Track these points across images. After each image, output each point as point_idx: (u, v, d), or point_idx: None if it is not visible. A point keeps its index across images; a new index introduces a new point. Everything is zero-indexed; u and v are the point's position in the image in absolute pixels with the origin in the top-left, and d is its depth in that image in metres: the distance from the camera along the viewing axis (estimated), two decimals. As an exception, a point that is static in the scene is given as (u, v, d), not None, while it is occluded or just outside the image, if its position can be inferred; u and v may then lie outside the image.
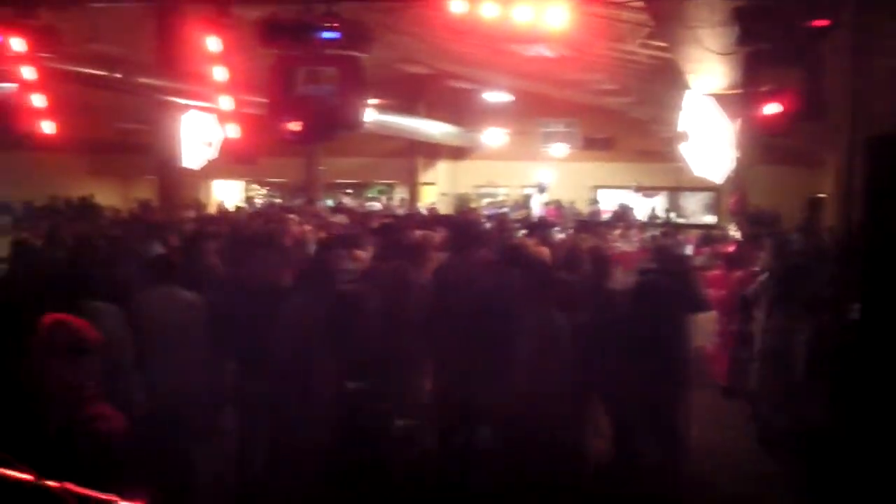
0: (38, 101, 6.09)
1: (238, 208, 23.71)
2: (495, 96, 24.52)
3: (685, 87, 13.89)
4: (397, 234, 11.84)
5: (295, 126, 5.17)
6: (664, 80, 16.35)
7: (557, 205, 27.90)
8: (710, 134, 14.36)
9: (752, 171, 19.14)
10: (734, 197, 20.03)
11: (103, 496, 2.26)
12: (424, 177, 32.07)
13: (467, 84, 27.92)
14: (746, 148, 15.22)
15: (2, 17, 5.52)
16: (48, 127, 6.16)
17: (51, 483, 2.25)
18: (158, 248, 10.02)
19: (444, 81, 28.84)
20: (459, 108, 30.37)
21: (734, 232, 18.19)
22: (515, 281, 7.79)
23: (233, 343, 7.33)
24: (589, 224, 19.43)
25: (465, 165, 33.21)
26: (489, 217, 21.19)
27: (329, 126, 5.20)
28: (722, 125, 13.94)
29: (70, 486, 2.28)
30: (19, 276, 8.44)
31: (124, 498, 2.31)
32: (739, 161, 15.30)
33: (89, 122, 25.48)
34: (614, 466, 7.93)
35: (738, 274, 11.61)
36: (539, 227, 14.40)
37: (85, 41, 7.95)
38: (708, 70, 11.82)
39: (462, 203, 30.37)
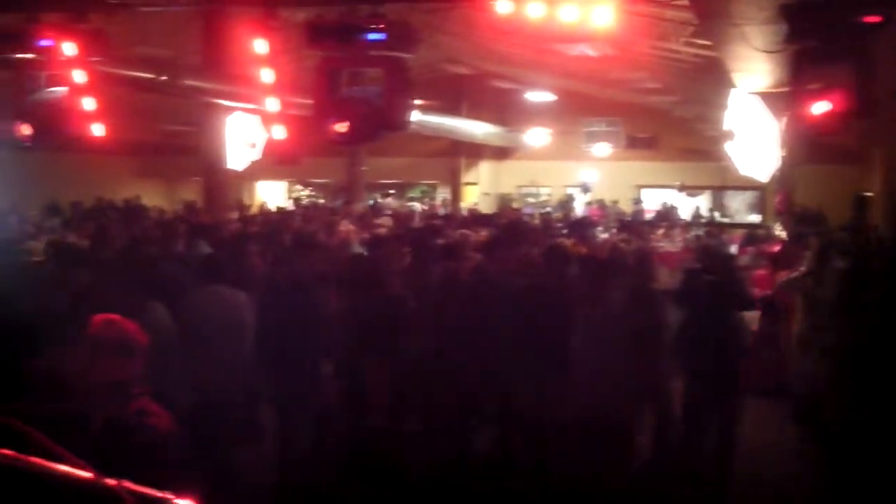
0: (88, 104, 6.17)
1: (280, 209, 23.84)
2: (538, 96, 24.49)
3: (730, 85, 13.77)
4: (435, 234, 11.90)
5: (341, 127, 5.19)
6: (708, 78, 16.24)
7: (600, 204, 27.79)
8: (755, 132, 14.23)
9: (797, 170, 18.96)
10: (779, 196, 19.83)
11: (159, 494, 2.28)
12: (467, 177, 32.05)
13: (510, 84, 27.89)
14: (792, 146, 15.07)
15: (54, 23, 5.60)
16: (98, 129, 6.23)
17: (108, 481, 2.26)
18: (205, 249, 10.10)
19: (487, 81, 28.84)
20: (502, 107, 30.36)
21: (779, 231, 18.01)
22: (568, 280, 7.78)
23: (274, 343, 7.36)
24: (632, 224, 19.35)
25: (507, 165, 33.15)
26: (529, 216, 21.17)
27: (375, 127, 5.21)
28: (767, 124, 13.81)
29: (127, 483, 2.30)
30: (58, 275, 8.52)
31: (176, 496, 2.33)
32: (785, 160, 15.15)
33: (136, 124, 25.79)
34: (661, 464, 7.90)
35: (784, 274, 11.51)
36: (579, 227, 14.38)
37: (133, 44, 8.04)
38: (753, 68, 11.71)
39: (504, 203, 30.34)
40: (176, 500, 2.27)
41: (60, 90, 5.99)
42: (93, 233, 12.07)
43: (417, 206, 28.78)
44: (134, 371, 3.78)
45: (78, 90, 5.79)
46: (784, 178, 18.14)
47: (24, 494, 2.71)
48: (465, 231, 11.97)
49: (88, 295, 7.08)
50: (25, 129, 6.04)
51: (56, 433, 2.32)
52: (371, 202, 27.82)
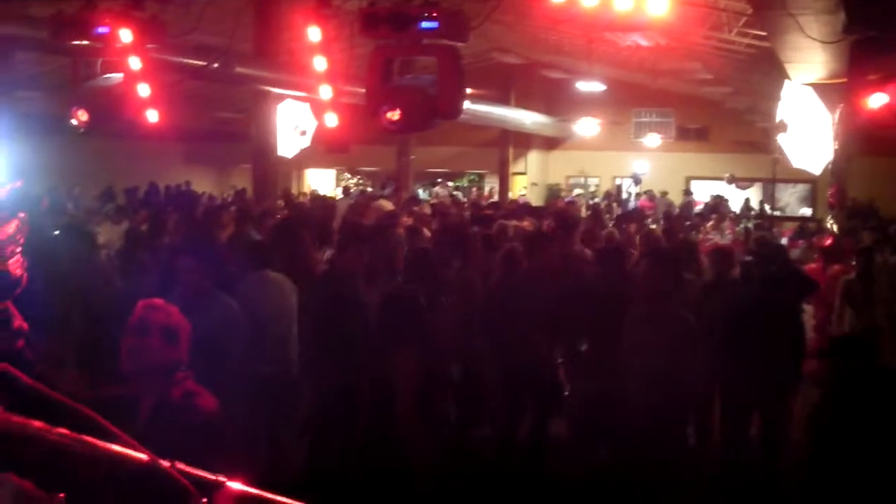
0: (143, 90, 6.23)
1: (327, 197, 23.92)
2: (588, 85, 24.34)
3: (783, 76, 13.61)
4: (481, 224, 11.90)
5: (394, 115, 5.20)
6: (762, 69, 16.05)
7: (650, 195, 27.60)
8: (808, 124, 14.07)
9: (850, 163, 18.71)
10: (832, 189, 19.57)
11: (211, 476, 2.30)
12: (515, 166, 31.98)
13: (560, 73, 27.77)
14: (845, 139, 14.87)
15: (111, 10, 5.67)
16: (152, 116, 6.30)
17: (162, 462, 2.29)
18: (255, 235, 10.17)
19: (537, 71, 28.75)
20: (551, 97, 30.26)
21: (831, 224, 17.78)
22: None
23: (324, 331, 7.38)
24: (680, 215, 19.22)
25: (556, 155, 33.05)
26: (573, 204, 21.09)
27: (428, 115, 5.22)
28: (821, 116, 13.64)
29: (180, 464, 2.32)
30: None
31: (227, 477, 2.35)
32: (838, 152, 14.95)
33: (188, 111, 26.05)
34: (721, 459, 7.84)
35: (836, 268, 11.36)
36: (628, 219, 14.34)
37: (187, 32, 8.09)
38: (808, 58, 11.56)
39: (553, 194, 30.27)
40: (228, 482, 2.29)
41: (116, 77, 6.05)
42: (149, 219, 12.25)
43: (459, 195, 28.76)
44: (179, 354, 3.82)
45: (133, 77, 5.85)
46: (837, 170, 17.91)
47: (80, 474, 2.75)
48: (503, 222, 11.94)
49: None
50: (81, 116, 6.10)
51: (108, 415, 2.35)
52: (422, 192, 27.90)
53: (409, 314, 7.00)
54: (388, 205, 15.62)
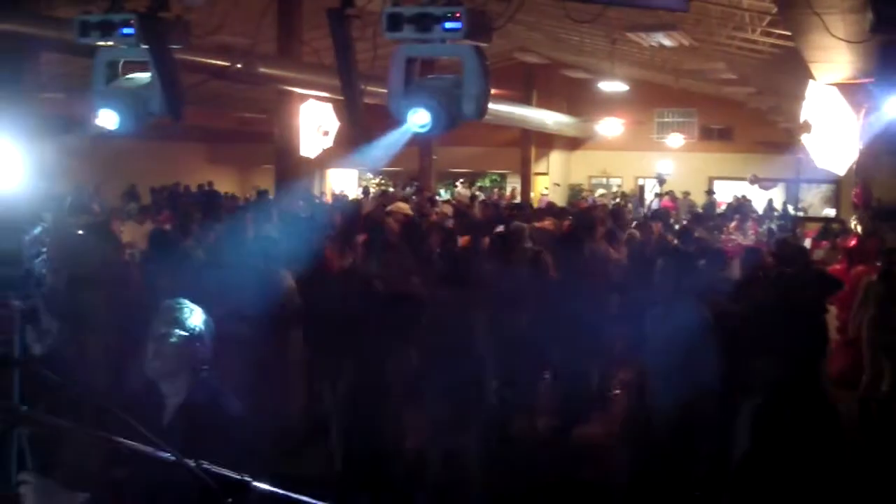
0: (167, 91, 6.24)
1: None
2: (610, 85, 24.29)
3: (808, 76, 13.52)
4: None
5: (420, 118, 5.19)
6: (786, 69, 15.95)
7: (672, 196, 27.51)
8: (833, 125, 13.98)
9: (875, 163, 18.58)
10: (856, 189, 19.45)
11: (236, 476, 2.31)
12: (537, 167, 31.95)
13: (582, 73, 27.74)
14: (870, 139, 14.77)
15: (136, 9, 5.68)
16: (176, 117, 6.32)
17: (187, 461, 2.30)
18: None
19: (559, 71, 28.72)
20: (573, 97, 30.24)
21: (855, 225, 17.68)
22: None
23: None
24: (703, 216, 19.15)
25: (578, 155, 33.03)
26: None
27: (454, 117, 5.20)
28: (846, 116, 13.55)
29: (206, 464, 2.33)
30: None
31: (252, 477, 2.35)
32: (862, 153, 14.85)
33: (210, 111, 26.17)
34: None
35: (860, 269, 11.30)
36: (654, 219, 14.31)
37: (211, 32, 8.15)
38: (833, 58, 11.48)
39: (575, 195, 30.25)
40: (253, 482, 2.30)
41: (140, 78, 6.06)
42: (178, 220, 12.35)
43: (479, 195, 28.77)
44: (204, 354, 3.84)
45: (158, 78, 5.86)
46: (861, 171, 17.80)
47: (106, 473, 2.77)
48: (519, 223, 11.94)
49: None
50: (105, 117, 6.12)
51: (135, 415, 2.36)
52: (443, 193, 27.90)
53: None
54: (404, 207, 15.63)
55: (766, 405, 6.60)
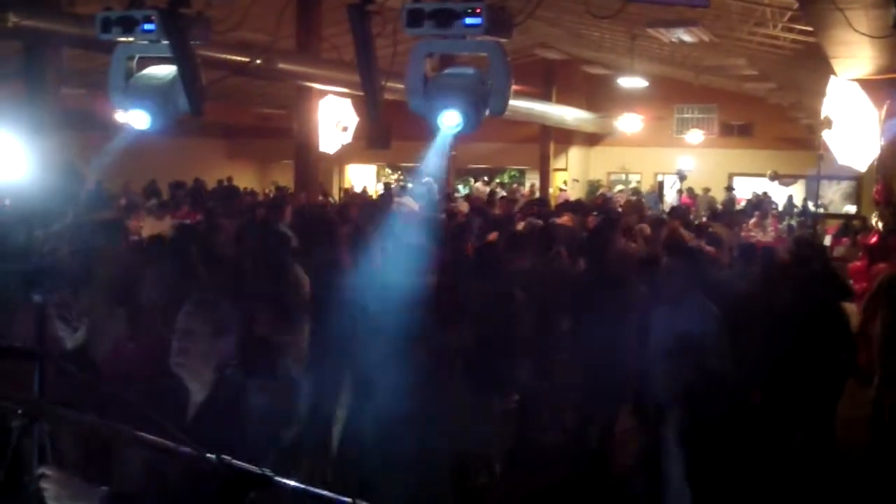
0: (188, 87, 6.26)
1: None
2: (630, 81, 24.24)
3: (829, 72, 13.46)
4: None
5: (450, 118, 5.21)
6: (807, 65, 15.89)
7: (690, 192, 27.42)
8: (854, 121, 13.90)
9: (897, 159, 18.48)
10: (878, 186, 19.33)
11: (257, 470, 2.32)
12: (556, 162, 31.89)
13: (601, 69, 27.68)
14: (892, 135, 14.68)
15: (157, 6, 5.70)
16: (197, 113, 6.34)
17: (209, 455, 2.31)
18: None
19: (579, 66, 28.67)
20: (593, 93, 30.18)
21: (876, 222, 17.57)
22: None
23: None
24: (722, 213, 19.07)
25: (597, 151, 32.95)
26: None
27: (478, 112, 5.21)
28: (867, 112, 13.47)
29: (227, 459, 2.34)
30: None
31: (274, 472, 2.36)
32: (884, 149, 14.76)
33: (230, 107, 26.26)
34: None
35: (881, 266, 11.22)
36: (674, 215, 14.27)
37: (231, 28, 8.15)
38: (855, 54, 11.43)
39: (593, 189, 30.18)
40: (275, 477, 2.31)
41: (161, 74, 6.09)
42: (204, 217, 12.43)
43: (499, 191, 28.77)
44: (228, 349, 3.84)
45: (179, 74, 5.89)
46: (883, 167, 17.69)
47: (128, 467, 2.78)
48: (532, 219, 11.95)
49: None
50: (135, 116, 6.16)
51: (158, 410, 2.37)
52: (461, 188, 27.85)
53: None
54: (412, 203, 15.67)
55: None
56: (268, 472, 2.31)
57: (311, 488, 2.26)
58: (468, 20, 5.12)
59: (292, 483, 2.28)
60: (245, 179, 29.68)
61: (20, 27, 10.17)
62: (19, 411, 2.54)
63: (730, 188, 28.34)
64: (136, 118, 6.14)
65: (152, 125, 6.06)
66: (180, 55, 5.93)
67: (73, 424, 2.33)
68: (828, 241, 18.84)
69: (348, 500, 2.18)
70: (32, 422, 2.60)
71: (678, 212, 15.57)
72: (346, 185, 32.13)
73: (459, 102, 5.24)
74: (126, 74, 6.26)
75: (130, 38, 6.11)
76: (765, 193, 26.62)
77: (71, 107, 18.75)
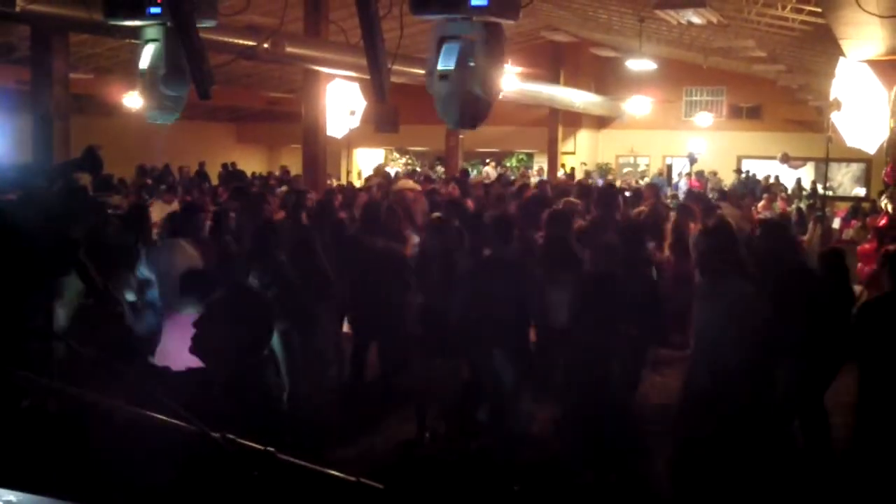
0: (195, 72, 6.27)
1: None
2: (638, 64, 24.14)
3: (838, 53, 13.39)
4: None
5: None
6: (816, 46, 15.83)
7: (699, 175, 27.35)
8: (864, 102, 13.83)
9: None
10: (888, 168, 19.27)
11: (260, 447, 2.32)
12: (565, 146, 31.84)
13: (610, 52, 27.59)
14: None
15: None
16: (204, 97, 6.35)
17: (213, 434, 2.32)
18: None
19: (587, 49, 28.58)
20: (601, 76, 30.09)
21: (885, 204, 17.51)
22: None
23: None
24: (730, 195, 19.04)
25: (606, 134, 32.90)
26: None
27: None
28: (877, 93, 13.41)
29: (231, 436, 2.34)
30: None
31: (281, 451, 2.37)
32: (894, 130, 14.70)
33: (237, 91, 26.26)
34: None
35: (891, 248, 11.19)
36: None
37: (238, 12, 8.17)
38: (865, 34, 11.38)
39: (602, 172, 30.15)
40: (278, 454, 2.32)
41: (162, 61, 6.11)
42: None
43: (492, 171, 28.82)
44: (246, 334, 3.86)
45: (187, 58, 5.90)
46: (892, 149, 17.63)
47: (131, 442, 2.80)
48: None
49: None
50: (135, 97, 6.20)
51: (185, 392, 2.39)
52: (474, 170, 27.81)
53: None
54: (410, 184, 15.63)
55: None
56: (270, 449, 2.32)
57: (315, 466, 2.27)
58: (474, 2, 5.12)
59: (296, 461, 2.29)
60: (253, 163, 29.74)
61: (27, 11, 10.18)
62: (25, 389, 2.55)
63: (739, 171, 28.30)
64: (161, 116, 6.21)
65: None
66: (186, 38, 5.93)
67: (74, 401, 2.34)
68: (837, 223, 18.80)
69: (352, 478, 2.19)
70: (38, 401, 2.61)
71: (694, 195, 15.56)
72: (357, 170, 32.13)
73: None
74: (138, 59, 6.30)
75: (137, 22, 6.12)
76: (777, 178, 26.57)
77: (78, 91, 18.77)
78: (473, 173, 28.47)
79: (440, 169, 29.48)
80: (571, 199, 12.14)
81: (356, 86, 17.66)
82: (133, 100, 18.32)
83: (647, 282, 8.31)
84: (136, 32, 6.29)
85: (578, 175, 27.76)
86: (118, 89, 20.00)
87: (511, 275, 7.40)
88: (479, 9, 5.14)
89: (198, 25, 5.91)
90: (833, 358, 7.41)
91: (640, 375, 8.28)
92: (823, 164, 26.05)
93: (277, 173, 24.30)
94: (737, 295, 6.76)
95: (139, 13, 5.95)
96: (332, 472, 2.27)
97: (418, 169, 31.09)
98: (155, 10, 5.86)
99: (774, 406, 7.17)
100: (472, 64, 5.35)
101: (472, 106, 5.50)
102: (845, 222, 18.70)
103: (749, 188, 23.73)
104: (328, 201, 11.78)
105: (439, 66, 5.38)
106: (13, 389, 2.60)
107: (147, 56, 6.23)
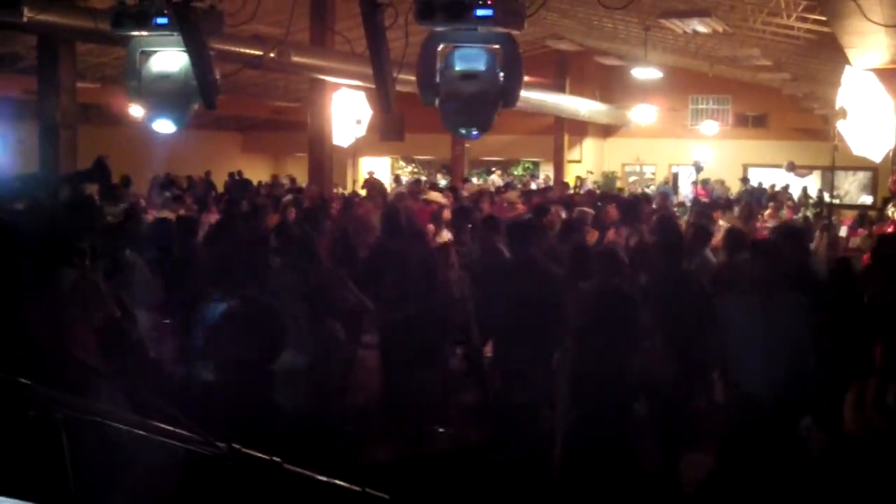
0: (201, 81, 6.30)
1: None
2: (644, 72, 24.13)
3: (844, 62, 13.40)
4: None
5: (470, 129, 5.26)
6: (821, 55, 15.85)
7: (705, 183, 27.31)
8: (870, 111, 13.82)
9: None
10: (894, 176, 19.25)
11: (266, 457, 2.33)
12: (570, 154, 31.83)
13: (615, 60, 27.60)
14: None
15: (170, 1, 5.74)
16: (210, 106, 6.38)
17: (218, 444, 2.32)
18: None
19: (592, 58, 28.60)
20: (606, 84, 30.10)
21: (892, 213, 17.49)
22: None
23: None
24: (742, 205, 19.00)
25: (611, 143, 32.90)
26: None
27: (491, 106, 5.26)
28: (883, 102, 13.41)
29: (237, 446, 2.35)
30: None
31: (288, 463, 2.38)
32: (900, 139, 14.70)
33: (243, 100, 26.31)
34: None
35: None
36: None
37: (244, 21, 8.19)
38: (870, 43, 11.40)
39: (608, 181, 30.15)
40: (284, 464, 2.32)
41: (174, 68, 6.13)
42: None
43: (498, 179, 28.81)
44: (263, 347, 3.87)
45: (192, 68, 5.93)
46: (899, 157, 17.63)
47: (137, 452, 2.80)
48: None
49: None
50: (141, 107, 6.22)
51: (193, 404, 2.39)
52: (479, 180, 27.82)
53: None
54: (438, 196, 15.67)
55: None
56: (277, 459, 2.33)
57: (321, 476, 2.27)
58: (479, 11, 5.14)
59: (302, 471, 2.29)
60: (259, 172, 29.74)
61: (34, 21, 10.23)
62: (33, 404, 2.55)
63: (745, 179, 28.27)
64: (163, 126, 6.23)
65: (168, 122, 6.13)
66: (193, 49, 5.96)
67: (83, 414, 2.34)
68: (844, 231, 18.76)
69: (357, 488, 2.20)
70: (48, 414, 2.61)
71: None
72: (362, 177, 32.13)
73: (468, 97, 5.27)
74: (139, 70, 6.32)
75: (143, 32, 6.14)
76: (785, 187, 26.52)
77: (85, 101, 18.82)
78: (479, 181, 28.50)
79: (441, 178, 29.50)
80: (584, 208, 12.20)
81: (362, 95, 17.71)
82: (139, 109, 18.38)
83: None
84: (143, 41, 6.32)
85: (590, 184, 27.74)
86: (125, 99, 20.04)
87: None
88: (484, 19, 5.17)
89: (204, 37, 5.95)
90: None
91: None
92: (830, 173, 26.09)
93: (285, 182, 24.29)
94: (794, 308, 6.68)
95: (146, 24, 5.98)
96: (338, 481, 2.28)
97: (424, 178, 31.08)
98: (162, 20, 5.89)
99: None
100: (499, 70, 5.39)
101: (492, 110, 5.51)
102: (852, 230, 18.64)
103: (755, 197, 23.66)
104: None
105: (464, 67, 5.42)
106: (19, 398, 2.61)
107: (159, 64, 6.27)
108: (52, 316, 4.40)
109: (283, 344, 3.95)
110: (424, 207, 14.08)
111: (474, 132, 5.89)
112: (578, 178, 29.00)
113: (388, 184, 27.68)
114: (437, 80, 5.55)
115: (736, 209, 16.52)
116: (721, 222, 13.31)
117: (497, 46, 5.36)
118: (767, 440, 6.39)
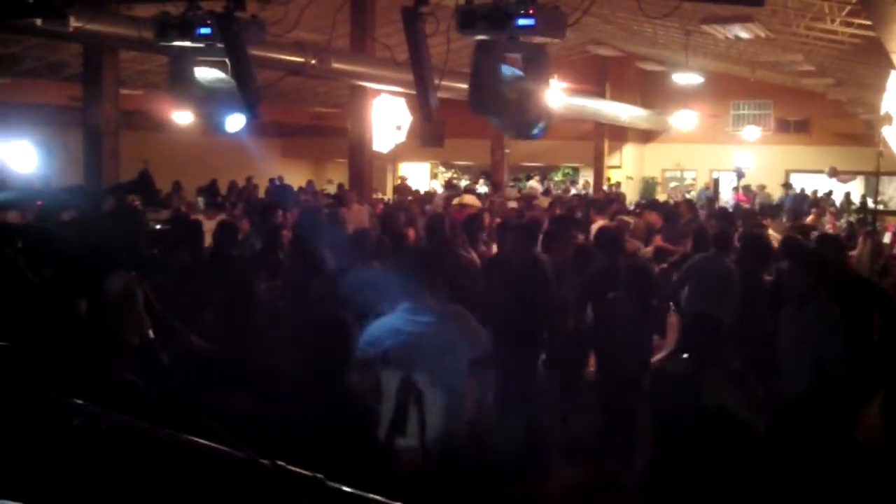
0: (245, 88, 6.36)
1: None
2: (685, 77, 23.96)
3: (889, 66, 13.24)
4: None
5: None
6: (866, 60, 15.64)
7: (746, 189, 27.09)
8: (915, 116, 13.69)
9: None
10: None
11: (310, 474, 2.34)
12: (610, 160, 31.67)
13: (656, 66, 27.47)
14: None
15: (213, 10, 5.80)
16: (253, 113, 6.43)
17: (263, 461, 2.33)
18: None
19: (632, 63, 28.48)
20: (647, 89, 29.95)
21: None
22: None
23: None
24: (788, 210, 18.86)
25: (651, 148, 32.71)
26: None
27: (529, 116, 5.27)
28: (929, 107, 13.26)
29: (280, 463, 2.36)
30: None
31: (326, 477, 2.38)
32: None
33: (284, 106, 26.45)
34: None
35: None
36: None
37: (287, 30, 8.24)
38: (916, 49, 11.25)
39: (648, 187, 29.99)
40: (327, 481, 2.33)
41: (218, 76, 6.19)
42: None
43: (537, 185, 28.73)
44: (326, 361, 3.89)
45: (234, 77, 5.98)
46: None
47: (183, 469, 2.82)
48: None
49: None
50: (186, 114, 6.28)
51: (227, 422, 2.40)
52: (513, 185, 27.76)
53: None
54: (472, 200, 15.67)
55: None
56: (320, 476, 2.33)
57: (363, 493, 2.27)
58: (521, 21, 5.13)
59: (345, 488, 2.29)
60: (299, 178, 29.85)
61: (81, 31, 10.33)
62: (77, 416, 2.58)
63: (787, 185, 28.00)
64: (234, 123, 6.30)
65: (202, 126, 6.19)
66: (235, 59, 6.00)
67: (127, 430, 2.36)
68: (887, 238, 18.54)
69: (397, 504, 2.19)
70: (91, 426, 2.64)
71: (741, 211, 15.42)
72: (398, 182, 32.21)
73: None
74: (188, 77, 6.38)
75: (187, 42, 6.20)
76: (828, 192, 26.23)
77: (128, 107, 19.02)
78: (517, 186, 28.47)
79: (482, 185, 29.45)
80: (624, 217, 12.17)
81: (402, 101, 17.73)
82: (181, 115, 18.56)
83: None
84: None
85: (625, 190, 27.61)
86: (167, 105, 20.25)
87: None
88: (525, 28, 5.16)
89: (246, 46, 5.99)
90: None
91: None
92: (874, 178, 25.81)
93: (331, 189, 24.37)
94: (829, 317, 6.67)
95: (189, 34, 6.03)
96: (380, 498, 2.28)
97: (464, 182, 31.08)
98: (205, 30, 5.94)
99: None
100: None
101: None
102: (895, 237, 18.41)
103: (798, 203, 23.40)
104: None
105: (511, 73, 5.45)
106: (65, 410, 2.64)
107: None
108: (98, 326, 4.44)
109: (347, 362, 3.97)
110: (460, 211, 14.11)
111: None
112: (608, 182, 28.94)
113: (428, 189, 27.77)
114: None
115: (783, 216, 16.37)
116: (771, 231, 13.15)
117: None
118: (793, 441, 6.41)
